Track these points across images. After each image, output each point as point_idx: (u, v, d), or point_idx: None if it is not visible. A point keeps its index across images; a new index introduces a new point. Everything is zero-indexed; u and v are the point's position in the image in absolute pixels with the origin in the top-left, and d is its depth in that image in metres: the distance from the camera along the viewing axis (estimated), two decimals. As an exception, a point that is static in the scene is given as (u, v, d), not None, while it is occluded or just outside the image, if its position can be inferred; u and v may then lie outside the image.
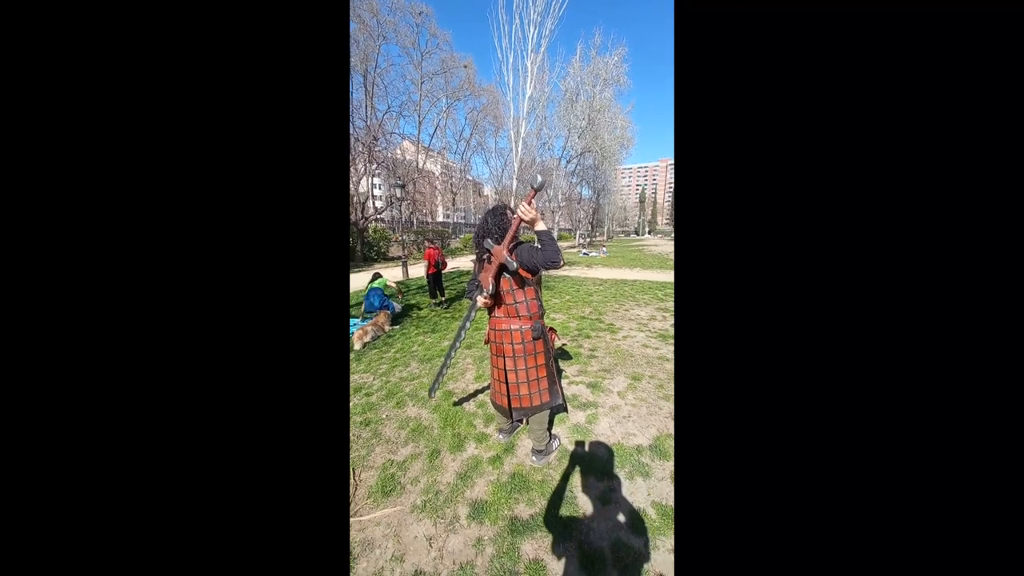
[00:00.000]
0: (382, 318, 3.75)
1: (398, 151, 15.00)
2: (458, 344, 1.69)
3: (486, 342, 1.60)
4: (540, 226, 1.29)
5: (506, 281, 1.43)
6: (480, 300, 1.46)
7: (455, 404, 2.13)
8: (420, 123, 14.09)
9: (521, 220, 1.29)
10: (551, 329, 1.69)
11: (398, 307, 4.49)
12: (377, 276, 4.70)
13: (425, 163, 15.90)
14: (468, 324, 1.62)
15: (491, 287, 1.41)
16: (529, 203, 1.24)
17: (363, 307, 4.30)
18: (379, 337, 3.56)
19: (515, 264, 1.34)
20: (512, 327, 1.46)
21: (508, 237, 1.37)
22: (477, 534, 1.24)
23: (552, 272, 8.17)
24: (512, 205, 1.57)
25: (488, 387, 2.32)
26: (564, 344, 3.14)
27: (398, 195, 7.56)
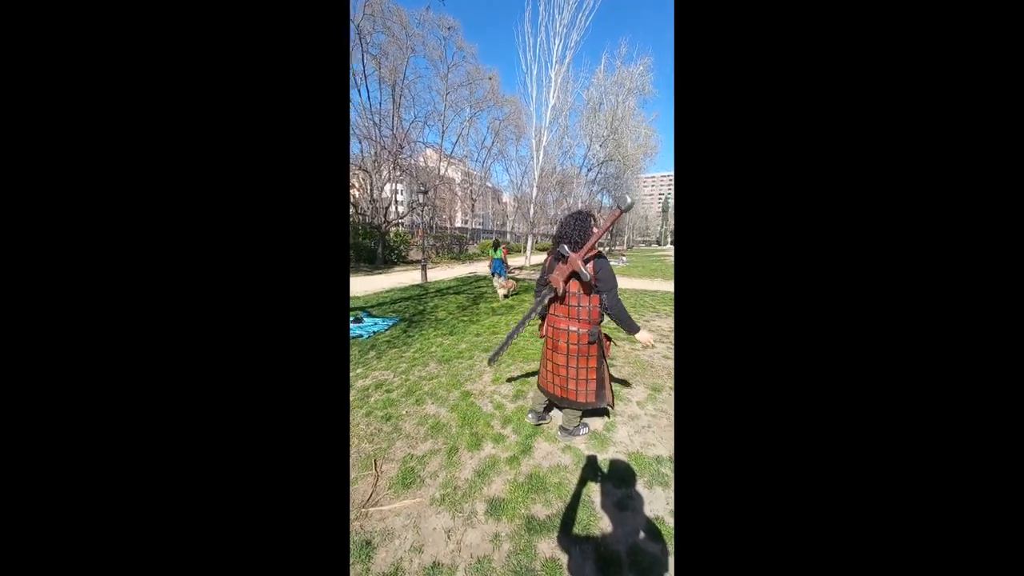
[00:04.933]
0: (511, 282, 5.14)
1: (421, 159, 15.46)
2: (522, 328, 1.76)
3: (541, 335, 1.69)
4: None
5: (574, 284, 1.50)
6: (548, 298, 1.55)
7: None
8: (443, 132, 14.50)
9: (606, 230, 1.41)
10: (606, 336, 1.71)
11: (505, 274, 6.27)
12: (497, 244, 6.04)
13: (447, 170, 16.29)
14: (533, 315, 1.70)
15: (560, 289, 1.49)
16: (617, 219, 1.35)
17: (491, 270, 6.19)
18: (516, 293, 5.21)
19: (588, 275, 1.41)
20: (570, 328, 1.53)
21: (586, 247, 1.43)
22: (494, 530, 1.26)
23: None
24: (569, 210, 1.66)
25: (525, 380, 2.34)
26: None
27: (420, 200, 7.80)
